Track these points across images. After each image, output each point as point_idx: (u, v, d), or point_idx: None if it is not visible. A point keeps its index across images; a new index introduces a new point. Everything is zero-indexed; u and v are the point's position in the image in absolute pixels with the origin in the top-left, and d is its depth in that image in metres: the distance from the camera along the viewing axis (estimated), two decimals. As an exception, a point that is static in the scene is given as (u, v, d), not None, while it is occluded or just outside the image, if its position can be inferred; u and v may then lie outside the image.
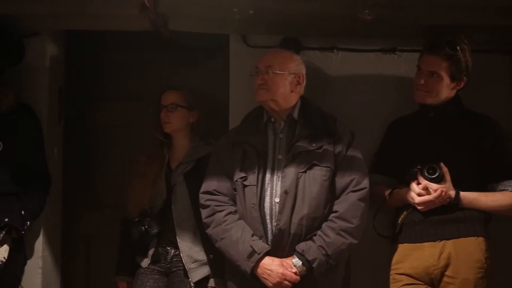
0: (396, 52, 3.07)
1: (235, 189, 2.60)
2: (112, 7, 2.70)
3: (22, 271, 2.88)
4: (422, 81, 2.68)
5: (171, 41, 3.12)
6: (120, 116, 3.44)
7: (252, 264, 2.47)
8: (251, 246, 2.48)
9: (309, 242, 2.50)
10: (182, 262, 2.86)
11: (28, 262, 2.94)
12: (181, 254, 2.86)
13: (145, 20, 2.81)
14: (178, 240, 2.86)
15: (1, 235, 2.70)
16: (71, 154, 3.40)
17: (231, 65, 3.11)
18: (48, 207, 3.00)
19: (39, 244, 3.05)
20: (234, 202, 2.61)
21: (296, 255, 2.49)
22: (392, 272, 2.68)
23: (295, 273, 2.48)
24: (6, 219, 2.70)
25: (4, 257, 2.71)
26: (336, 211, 2.54)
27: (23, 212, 2.77)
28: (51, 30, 3.10)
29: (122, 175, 3.11)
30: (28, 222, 2.80)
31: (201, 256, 2.85)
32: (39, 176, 2.91)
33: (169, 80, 3.27)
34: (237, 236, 2.51)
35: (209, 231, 2.61)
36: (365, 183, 2.57)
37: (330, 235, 2.49)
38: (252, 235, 2.51)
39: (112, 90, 3.49)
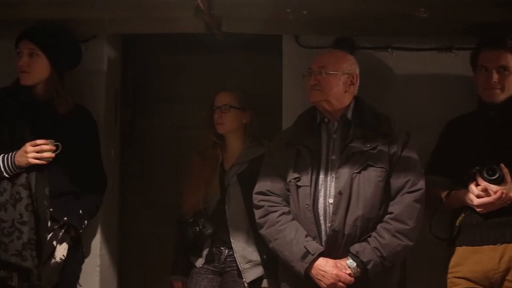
0: (453, 51, 2.99)
1: (288, 190, 2.60)
2: (167, 11, 2.73)
3: (80, 269, 2.93)
4: (495, 78, 2.60)
5: (225, 42, 3.13)
6: (175, 117, 3.48)
7: (306, 265, 2.46)
8: (305, 247, 2.47)
9: (364, 244, 2.47)
10: (236, 262, 2.87)
11: (86, 260, 3.00)
12: (235, 255, 2.88)
13: (199, 22, 2.84)
14: (232, 240, 2.88)
15: (61, 233, 2.76)
16: (127, 155, 3.47)
17: (283, 66, 3.11)
18: (105, 207, 3.06)
19: (97, 242, 3.12)
20: (287, 202, 2.61)
21: (350, 257, 2.47)
22: (449, 275, 2.62)
23: (349, 274, 2.45)
24: (65, 218, 2.76)
25: (64, 255, 2.77)
26: (391, 213, 2.50)
27: (81, 212, 2.83)
28: (108, 34, 3.17)
29: (177, 175, 3.15)
30: (86, 221, 2.85)
31: (255, 256, 2.86)
32: (96, 177, 2.97)
33: (222, 82, 3.29)
34: (291, 237, 2.50)
35: (262, 231, 2.61)
36: (421, 184, 2.52)
37: (385, 237, 2.46)
38: (306, 236, 2.50)
39: (166, 92, 3.54)
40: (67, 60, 2.89)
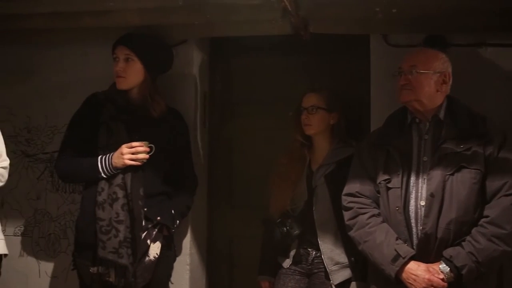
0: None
1: (378, 192, 2.56)
2: (255, 13, 2.76)
3: (172, 267, 3.00)
4: None
5: (311, 43, 3.12)
6: (262, 119, 3.49)
7: (397, 268, 2.41)
8: (395, 250, 2.42)
9: (458, 248, 2.39)
10: (323, 264, 2.86)
11: (177, 258, 3.07)
12: (322, 256, 2.86)
13: (286, 24, 2.85)
14: (319, 241, 2.87)
15: (154, 232, 2.83)
16: (215, 156, 3.52)
17: (371, 66, 3.06)
18: (195, 207, 3.12)
19: (187, 242, 3.19)
20: (377, 204, 2.57)
21: (443, 261, 2.39)
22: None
23: (442, 279, 2.38)
24: (159, 218, 2.84)
25: (157, 253, 2.84)
26: (487, 216, 2.40)
27: (173, 211, 2.89)
28: (197, 38, 3.24)
29: (264, 176, 3.17)
30: (178, 221, 2.91)
31: (343, 258, 2.84)
32: (187, 177, 3.04)
33: (309, 83, 3.29)
34: (381, 239, 2.46)
35: (351, 233, 2.59)
36: (519, 187, 2.41)
37: (480, 241, 2.36)
38: (397, 239, 2.46)
39: (253, 93, 3.56)
40: (160, 64, 2.97)
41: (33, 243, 3.33)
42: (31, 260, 3.31)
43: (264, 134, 3.47)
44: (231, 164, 3.56)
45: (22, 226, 3.33)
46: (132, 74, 2.85)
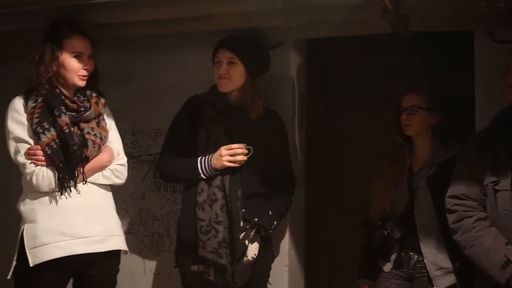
0: None
1: (485, 194, 2.45)
2: (353, 13, 2.73)
3: (270, 268, 3.01)
4: None
5: (410, 41, 3.04)
6: (359, 119, 3.45)
7: (508, 275, 2.30)
8: (505, 256, 2.31)
9: None
10: (426, 269, 2.77)
11: (276, 259, 3.08)
12: (424, 261, 2.77)
13: (385, 22, 2.78)
14: (421, 246, 2.78)
15: (252, 233, 2.86)
16: (313, 157, 3.51)
17: (476, 63, 2.94)
18: (293, 209, 3.12)
19: (285, 243, 3.21)
20: (483, 207, 2.46)
21: (559, 268, 2.25)
22: None
23: (556, 287, 2.25)
24: (256, 219, 2.86)
25: (255, 254, 2.86)
26: None
27: (270, 213, 2.91)
28: (294, 39, 3.25)
29: (362, 178, 3.13)
30: (275, 222, 2.92)
31: (446, 263, 2.74)
32: (285, 178, 3.04)
33: (408, 82, 3.20)
34: (489, 244, 2.36)
35: (457, 237, 2.49)
36: None
37: None
38: (506, 244, 2.34)
39: (350, 94, 3.52)
40: (260, 67, 3.00)
41: (138, 241, 3.47)
42: (136, 258, 3.45)
43: (362, 135, 3.42)
44: (328, 165, 3.54)
45: (128, 225, 3.48)
46: (235, 77, 2.89)
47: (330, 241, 3.50)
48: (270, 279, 3.03)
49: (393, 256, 2.87)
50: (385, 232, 2.83)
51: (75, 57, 2.75)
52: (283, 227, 3.18)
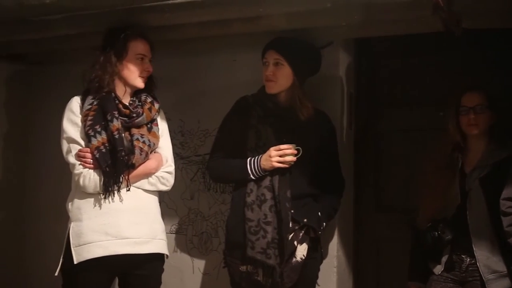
0: None
1: (541, 196, 2.39)
2: (404, 12, 2.68)
3: (318, 269, 3.00)
4: None
5: (462, 39, 2.98)
6: (409, 120, 3.41)
7: None
8: (563, 260, 2.24)
9: None
10: (479, 272, 2.70)
11: (324, 261, 3.07)
12: (477, 264, 2.71)
13: (436, 21, 2.74)
14: (474, 248, 2.72)
15: (301, 234, 2.84)
16: (361, 158, 3.49)
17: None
18: (341, 210, 3.10)
19: (334, 244, 3.19)
20: (540, 210, 2.40)
21: None
22: None
23: None
24: (305, 220, 2.85)
25: (304, 255, 2.85)
26: None
27: (319, 214, 2.89)
28: (343, 39, 3.23)
29: (411, 179, 3.09)
30: (324, 223, 2.90)
31: (501, 267, 2.67)
32: (334, 180, 3.02)
33: (458, 82, 3.13)
34: (546, 248, 2.29)
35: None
36: None
37: None
38: None
39: (399, 94, 3.48)
40: (309, 68, 2.98)
41: (187, 241, 3.51)
42: (185, 257, 3.49)
43: (412, 135, 3.39)
44: (377, 166, 3.51)
45: (177, 224, 3.52)
46: (281, 78, 2.88)
47: (379, 243, 3.47)
48: (318, 281, 3.01)
49: (444, 259, 2.82)
50: (436, 233, 2.78)
51: (138, 59, 2.81)
52: (331, 228, 3.16)
